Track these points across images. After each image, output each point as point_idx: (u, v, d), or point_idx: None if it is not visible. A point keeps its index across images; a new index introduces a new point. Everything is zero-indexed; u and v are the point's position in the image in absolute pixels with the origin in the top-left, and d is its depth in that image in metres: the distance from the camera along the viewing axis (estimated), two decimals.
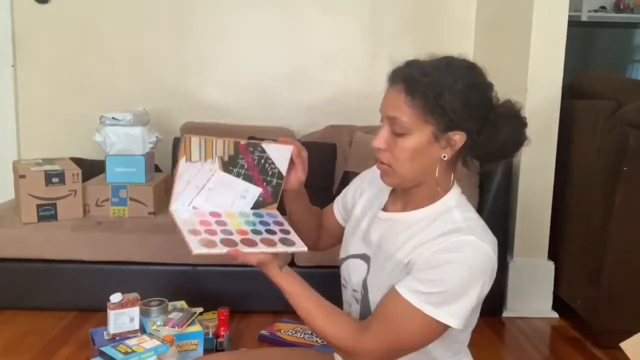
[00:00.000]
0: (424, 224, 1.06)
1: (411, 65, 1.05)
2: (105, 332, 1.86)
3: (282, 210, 1.22)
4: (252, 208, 1.17)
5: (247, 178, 1.15)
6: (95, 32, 3.18)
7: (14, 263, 2.47)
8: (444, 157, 1.04)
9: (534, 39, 2.51)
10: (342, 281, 1.23)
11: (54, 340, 2.25)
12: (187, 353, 1.91)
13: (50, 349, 2.18)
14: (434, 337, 1.03)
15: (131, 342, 1.67)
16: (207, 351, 1.99)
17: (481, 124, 1.03)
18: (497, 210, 2.52)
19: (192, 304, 2.09)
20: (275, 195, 1.19)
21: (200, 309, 2.06)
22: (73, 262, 2.47)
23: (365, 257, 1.15)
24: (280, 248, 1.09)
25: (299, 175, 1.19)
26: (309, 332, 2.26)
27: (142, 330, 1.88)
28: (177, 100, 3.22)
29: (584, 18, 4.01)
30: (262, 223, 1.15)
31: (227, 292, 2.46)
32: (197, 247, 1.01)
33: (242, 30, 3.22)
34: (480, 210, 2.37)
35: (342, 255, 1.24)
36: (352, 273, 1.17)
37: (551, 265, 2.65)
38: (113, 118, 2.57)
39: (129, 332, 1.84)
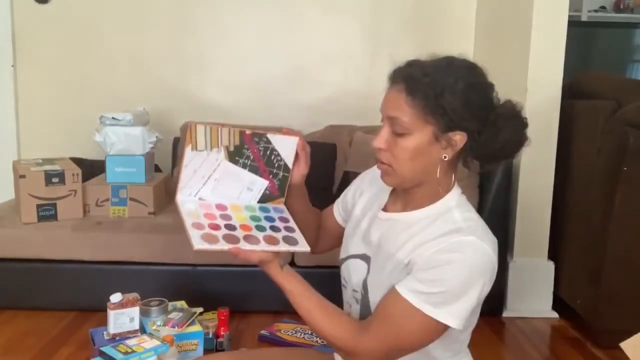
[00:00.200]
0: (424, 224, 1.07)
1: (412, 65, 1.05)
2: (105, 332, 1.86)
3: None
4: (259, 202, 1.17)
5: (254, 169, 1.15)
6: (95, 32, 3.18)
7: (14, 263, 2.47)
8: (445, 157, 1.04)
9: (534, 39, 2.51)
10: (342, 281, 1.23)
11: (53, 340, 2.25)
12: (187, 353, 1.91)
13: (50, 349, 2.18)
14: (434, 337, 1.03)
15: (131, 342, 1.67)
16: (207, 351, 1.99)
17: (482, 124, 1.03)
18: (497, 210, 2.51)
19: (192, 304, 2.09)
20: (282, 189, 1.19)
21: (200, 309, 2.06)
22: (73, 262, 2.47)
23: (365, 257, 1.15)
24: (283, 247, 1.09)
25: (302, 169, 1.19)
26: (309, 332, 2.26)
27: (142, 330, 1.88)
28: (177, 100, 3.22)
29: (584, 18, 4.01)
30: (268, 219, 1.14)
31: (227, 292, 2.46)
32: (198, 243, 1.01)
33: (242, 30, 3.22)
34: (480, 210, 2.36)
35: (342, 255, 1.24)
36: (352, 273, 1.17)
37: (551, 265, 2.65)
38: (113, 118, 2.56)
39: (129, 332, 1.84)
